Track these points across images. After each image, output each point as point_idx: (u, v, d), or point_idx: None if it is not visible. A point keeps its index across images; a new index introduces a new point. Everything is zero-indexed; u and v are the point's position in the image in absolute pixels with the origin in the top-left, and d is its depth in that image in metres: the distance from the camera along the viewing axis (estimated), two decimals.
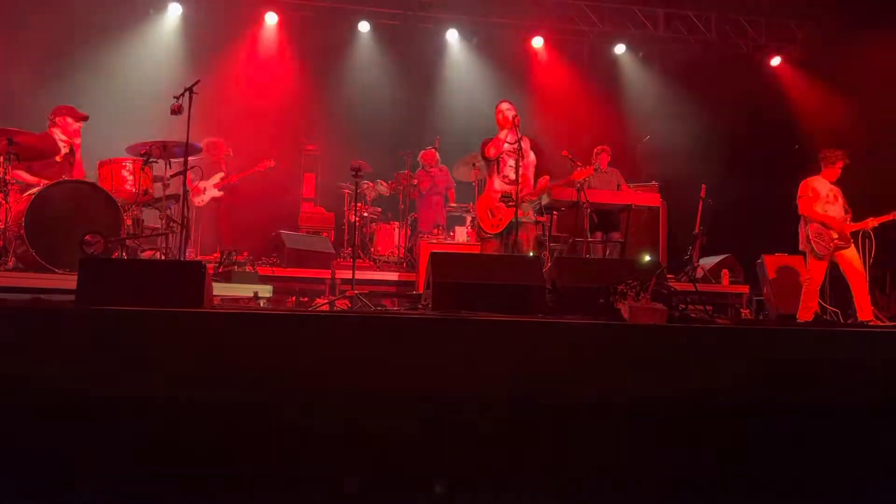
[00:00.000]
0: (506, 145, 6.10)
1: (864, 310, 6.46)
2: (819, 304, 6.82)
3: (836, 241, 6.56)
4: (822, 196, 6.71)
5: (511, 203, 5.87)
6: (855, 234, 6.67)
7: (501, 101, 6.32)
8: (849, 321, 6.75)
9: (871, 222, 6.62)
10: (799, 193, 6.80)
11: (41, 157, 5.96)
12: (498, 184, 6.09)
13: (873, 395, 2.81)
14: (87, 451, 2.33)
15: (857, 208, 6.75)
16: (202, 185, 8.25)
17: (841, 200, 6.71)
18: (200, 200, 8.27)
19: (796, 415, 2.76)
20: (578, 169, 6.28)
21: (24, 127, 5.76)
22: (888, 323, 6.51)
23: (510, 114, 6.09)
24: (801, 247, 6.84)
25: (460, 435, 2.54)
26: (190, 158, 6.20)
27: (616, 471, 2.64)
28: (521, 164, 5.91)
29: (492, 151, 6.12)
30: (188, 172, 5.71)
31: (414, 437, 2.51)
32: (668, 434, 2.67)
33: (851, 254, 6.56)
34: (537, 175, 6.25)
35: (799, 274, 7.51)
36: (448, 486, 2.47)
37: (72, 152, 6.29)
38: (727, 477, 2.70)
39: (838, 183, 6.79)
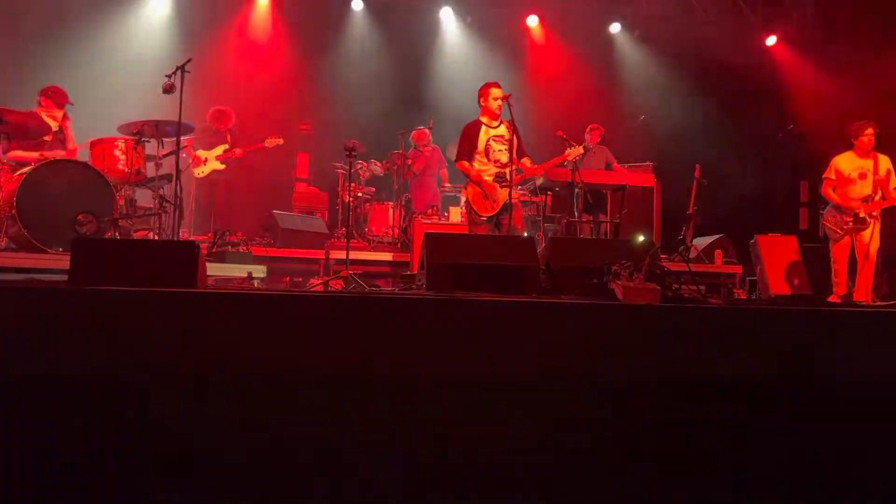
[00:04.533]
0: (491, 131, 6.04)
1: (860, 290, 6.51)
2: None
3: (849, 225, 6.56)
4: (846, 175, 6.65)
5: (505, 184, 5.85)
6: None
7: (491, 86, 6.07)
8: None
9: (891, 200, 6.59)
10: (825, 174, 6.80)
11: (30, 136, 5.92)
12: (490, 168, 6.03)
13: (865, 375, 2.83)
14: (80, 431, 2.33)
15: None
16: (203, 155, 8.12)
17: (872, 177, 6.58)
18: (201, 172, 8.13)
19: (789, 395, 2.78)
20: (570, 149, 6.24)
21: (14, 106, 5.71)
22: (881, 303, 6.55)
23: (501, 104, 5.94)
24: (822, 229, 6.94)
25: (457, 416, 2.55)
26: (192, 127, 6.17)
27: (608, 451, 2.66)
28: (515, 141, 5.88)
29: (464, 165, 6.09)
30: (182, 149, 5.68)
31: (411, 420, 2.52)
32: (661, 414, 2.69)
33: (867, 236, 6.54)
34: (520, 157, 6.17)
35: (792, 254, 7.55)
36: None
37: (61, 130, 6.25)
38: (721, 459, 2.72)
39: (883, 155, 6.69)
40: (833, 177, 6.71)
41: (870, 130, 6.62)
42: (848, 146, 6.80)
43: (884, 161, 6.63)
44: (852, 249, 6.69)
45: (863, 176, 6.63)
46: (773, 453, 2.74)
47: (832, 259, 6.78)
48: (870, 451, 2.80)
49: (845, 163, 6.71)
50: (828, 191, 6.72)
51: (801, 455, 2.76)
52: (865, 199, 6.57)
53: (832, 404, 2.81)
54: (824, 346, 2.84)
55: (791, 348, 2.81)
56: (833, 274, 6.77)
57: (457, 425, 2.54)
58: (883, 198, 6.56)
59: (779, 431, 2.76)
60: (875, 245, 6.54)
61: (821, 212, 6.97)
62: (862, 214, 6.53)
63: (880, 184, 6.58)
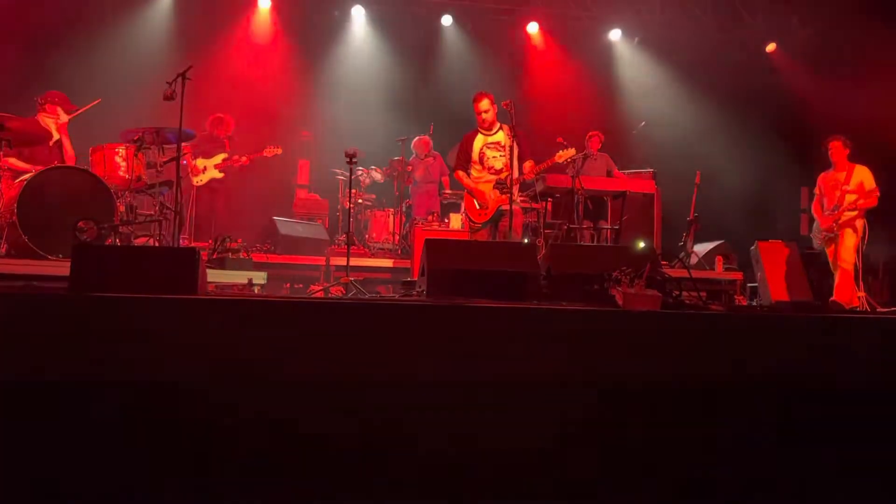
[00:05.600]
0: (487, 139, 6.07)
1: (838, 293, 6.58)
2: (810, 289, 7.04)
3: (823, 233, 6.85)
4: (825, 190, 6.94)
5: (505, 190, 5.85)
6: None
7: (477, 99, 6.10)
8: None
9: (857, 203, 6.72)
10: (814, 191, 7.16)
11: (31, 143, 5.91)
12: (485, 176, 6.06)
13: (865, 382, 2.83)
14: (78, 438, 2.33)
15: None
16: (202, 164, 8.12)
17: (842, 187, 6.77)
18: (199, 180, 8.13)
19: (790, 401, 2.77)
20: (560, 151, 6.20)
21: (13, 112, 5.71)
22: (881, 310, 6.55)
23: (488, 115, 5.99)
24: None
25: (457, 423, 2.55)
26: (192, 134, 6.16)
27: (608, 457, 2.65)
28: (514, 149, 5.89)
29: (458, 174, 6.22)
30: (182, 156, 5.67)
31: (410, 424, 2.51)
32: (661, 420, 2.69)
33: (844, 242, 6.68)
34: (522, 161, 6.17)
35: (792, 260, 7.58)
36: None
37: (58, 145, 6.24)
38: (720, 464, 2.71)
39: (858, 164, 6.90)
40: (818, 192, 7.04)
41: (834, 143, 6.88)
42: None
43: (858, 172, 6.82)
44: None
45: (835, 187, 6.86)
46: (772, 459, 2.73)
47: (832, 265, 6.98)
48: (872, 457, 2.79)
49: (825, 178, 6.99)
50: (814, 206, 7.07)
51: (802, 461, 2.75)
52: (832, 210, 6.76)
53: (833, 411, 2.80)
54: (825, 352, 2.84)
55: (792, 354, 2.80)
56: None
57: (457, 431, 2.53)
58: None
59: (779, 437, 2.75)
60: (844, 253, 6.67)
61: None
62: (829, 223, 6.79)
63: (851, 194, 6.74)
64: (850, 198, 6.67)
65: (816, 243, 7.03)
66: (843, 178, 6.77)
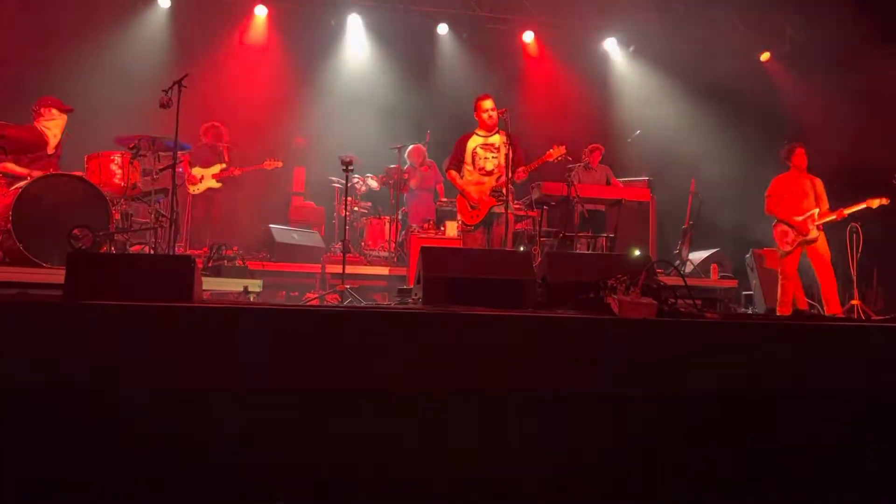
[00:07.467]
0: (480, 140, 6.11)
1: (831, 304, 6.56)
2: (807, 300, 6.96)
3: (798, 239, 6.77)
4: (789, 193, 6.87)
5: (501, 198, 5.88)
6: (845, 229, 6.78)
7: (480, 99, 6.19)
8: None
9: (841, 213, 6.74)
10: (766, 193, 7.02)
11: (29, 151, 5.89)
12: (476, 176, 6.09)
13: (859, 389, 2.83)
14: (73, 446, 2.32)
15: (844, 201, 6.84)
16: (199, 173, 8.12)
17: (813, 194, 6.83)
18: (196, 189, 8.14)
19: (785, 408, 2.78)
20: (550, 150, 6.19)
21: (10, 120, 5.70)
22: (875, 317, 6.56)
23: (494, 114, 6.03)
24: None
25: (453, 431, 2.54)
26: (188, 148, 6.16)
27: (605, 464, 2.65)
28: (509, 155, 5.91)
29: (450, 174, 6.27)
30: (178, 164, 5.66)
31: (408, 434, 2.51)
32: (658, 428, 2.69)
33: (820, 248, 6.68)
34: (516, 167, 6.18)
35: None
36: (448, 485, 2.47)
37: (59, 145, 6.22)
38: (717, 471, 2.71)
39: (819, 175, 6.96)
40: (773, 194, 6.94)
41: (799, 150, 6.90)
42: (784, 168, 7.05)
43: (818, 181, 6.90)
44: (800, 264, 6.86)
45: (805, 194, 6.83)
46: (769, 467, 2.73)
47: (783, 274, 6.87)
48: (867, 466, 2.79)
49: (786, 182, 6.95)
50: (772, 208, 6.92)
51: (798, 470, 2.75)
52: (810, 215, 6.76)
53: (829, 419, 2.80)
54: (820, 360, 2.84)
55: (787, 362, 2.81)
56: (781, 291, 6.85)
57: (455, 438, 2.53)
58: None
59: (774, 445, 2.75)
60: (829, 256, 6.70)
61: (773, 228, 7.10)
62: (808, 227, 6.72)
63: (819, 200, 6.83)
64: (823, 208, 6.76)
65: (786, 248, 6.84)
66: (810, 185, 6.84)
